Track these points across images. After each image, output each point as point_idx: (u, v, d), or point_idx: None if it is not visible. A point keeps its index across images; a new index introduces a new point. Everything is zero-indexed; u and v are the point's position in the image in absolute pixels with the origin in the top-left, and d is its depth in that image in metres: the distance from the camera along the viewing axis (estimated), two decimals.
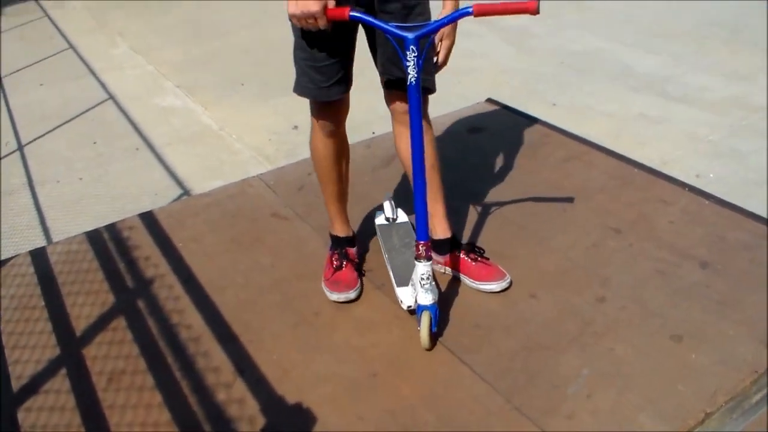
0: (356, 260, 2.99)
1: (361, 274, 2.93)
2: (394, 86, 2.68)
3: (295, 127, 5.88)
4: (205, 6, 9.98)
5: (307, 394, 2.38)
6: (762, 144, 5.39)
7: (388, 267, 2.88)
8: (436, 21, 2.38)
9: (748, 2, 8.79)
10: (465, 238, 3.03)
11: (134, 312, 2.80)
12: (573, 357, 2.47)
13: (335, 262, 2.89)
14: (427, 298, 2.52)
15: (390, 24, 2.37)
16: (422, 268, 2.53)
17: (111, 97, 7.03)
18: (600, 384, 2.35)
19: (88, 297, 2.91)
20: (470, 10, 2.29)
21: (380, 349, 2.57)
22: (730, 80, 6.61)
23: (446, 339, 2.58)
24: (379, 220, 3.17)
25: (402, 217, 3.16)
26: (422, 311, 2.52)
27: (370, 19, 2.36)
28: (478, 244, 3.02)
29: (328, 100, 2.62)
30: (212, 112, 6.45)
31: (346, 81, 2.62)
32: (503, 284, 2.83)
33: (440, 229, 2.91)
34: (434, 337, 2.57)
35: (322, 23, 2.29)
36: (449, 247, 2.92)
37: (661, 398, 2.29)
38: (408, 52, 2.33)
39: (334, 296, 2.80)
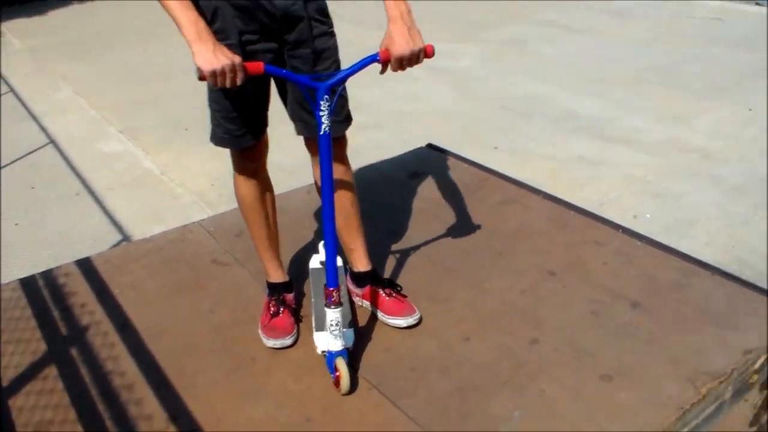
0: (293, 305, 2.99)
1: (298, 319, 2.93)
2: (306, 133, 2.74)
3: None
4: (152, 49, 9.98)
5: None
6: (695, 184, 5.52)
7: (312, 311, 2.90)
8: (345, 69, 2.43)
9: (680, 49, 9.03)
10: (399, 282, 3.06)
11: (66, 360, 2.77)
12: (506, 398, 2.49)
13: (272, 308, 2.89)
14: (336, 344, 2.58)
15: (302, 76, 2.43)
16: (331, 315, 2.56)
17: (52, 141, 6.99)
18: (531, 425, 2.38)
19: (18, 345, 2.87)
20: (377, 57, 2.38)
21: (316, 393, 2.57)
22: (666, 123, 6.78)
23: (382, 383, 2.59)
24: (313, 263, 3.19)
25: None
26: (335, 357, 2.55)
27: (284, 72, 2.40)
28: (415, 287, 3.06)
29: (245, 147, 2.68)
30: (155, 157, 6.44)
31: (260, 126, 2.69)
32: (410, 320, 2.86)
33: (361, 263, 2.97)
34: (355, 378, 2.61)
35: (240, 77, 2.26)
36: (368, 281, 2.97)
37: None
38: (321, 102, 2.37)
39: (271, 342, 2.80)
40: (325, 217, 2.54)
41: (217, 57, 2.21)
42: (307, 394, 2.57)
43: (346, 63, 2.58)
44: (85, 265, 3.38)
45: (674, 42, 9.37)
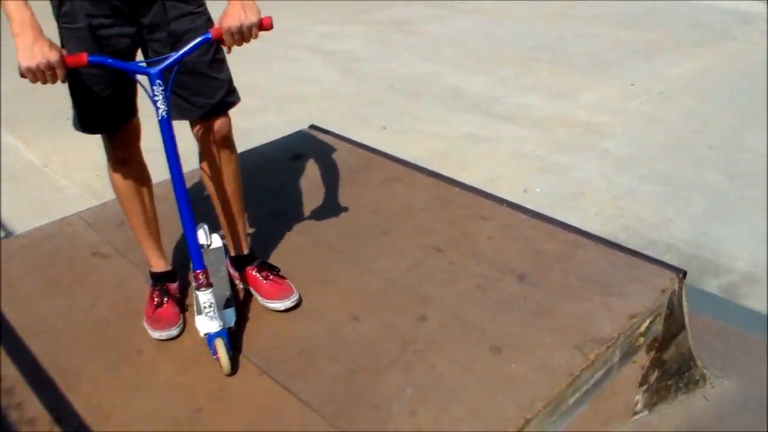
0: (178, 295, 2.92)
1: (183, 309, 2.86)
2: (177, 116, 2.63)
3: None
4: None
5: None
6: (583, 158, 5.61)
7: (194, 295, 2.82)
8: (177, 52, 2.33)
9: (566, 28, 9.18)
10: (285, 265, 3.01)
11: None
12: (396, 376, 2.48)
13: (155, 299, 2.81)
14: (212, 326, 2.53)
15: (131, 63, 2.38)
16: (203, 297, 2.52)
17: None
18: (423, 401, 2.37)
19: None
20: (209, 35, 2.33)
21: (204, 383, 2.50)
22: (552, 99, 6.88)
23: (271, 367, 2.54)
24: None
25: (216, 242, 3.10)
26: (214, 338, 2.52)
27: (110, 61, 2.30)
28: (299, 270, 3.02)
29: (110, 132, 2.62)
30: (35, 148, 6.19)
31: (125, 109, 2.60)
32: (287, 303, 2.84)
33: (239, 247, 2.94)
34: (236, 359, 2.60)
35: (60, 74, 2.18)
36: (246, 264, 2.95)
37: (482, 409, 2.32)
38: (155, 87, 2.30)
39: (156, 334, 2.72)
40: (178, 200, 2.49)
41: (32, 53, 2.11)
42: (196, 384, 2.51)
43: None
44: None
45: (559, 21, 9.53)
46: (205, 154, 2.74)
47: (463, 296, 2.87)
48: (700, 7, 10.04)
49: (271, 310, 2.85)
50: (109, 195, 4.97)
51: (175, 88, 2.48)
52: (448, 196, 3.61)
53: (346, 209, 3.49)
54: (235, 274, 2.99)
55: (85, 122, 2.60)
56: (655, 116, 6.47)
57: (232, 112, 2.70)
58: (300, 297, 2.87)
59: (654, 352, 2.87)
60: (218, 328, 2.53)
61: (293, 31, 9.06)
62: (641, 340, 2.79)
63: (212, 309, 2.52)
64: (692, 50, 8.27)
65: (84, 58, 2.20)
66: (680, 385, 3.05)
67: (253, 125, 2.75)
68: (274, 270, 2.93)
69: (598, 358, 2.54)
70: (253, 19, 2.30)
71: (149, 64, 2.35)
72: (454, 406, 2.35)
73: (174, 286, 2.94)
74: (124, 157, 2.69)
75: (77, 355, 2.66)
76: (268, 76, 7.53)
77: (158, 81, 2.30)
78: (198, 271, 2.51)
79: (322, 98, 7.05)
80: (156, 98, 2.32)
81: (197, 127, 2.67)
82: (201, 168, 2.80)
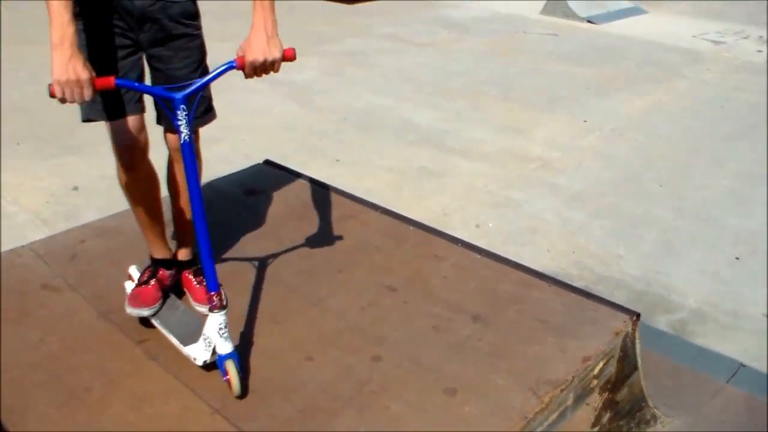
0: (167, 283, 3.00)
1: (165, 297, 2.94)
2: (165, 125, 2.82)
3: (75, 188, 5.66)
4: None
5: None
6: (534, 193, 5.66)
7: (164, 331, 2.80)
8: (202, 79, 2.44)
9: (518, 63, 9.29)
10: (238, 303, 3.02)
11: None
12: (349, 418, 2.46)
13: (143, 277, 2.93)
14: (227, 347, 2.54)
15: (156, 87, 2.46)
16: (219, 318, 2.53)
17: None
18: None
19: None
20: (234, 63, 2.41)
21: (156, 423, 2.45)
22: (505, 134, 6.94)
23: (224, 408, 2.51)
24: (129, 287, 3.05)
25: None
26: (224, 360, 2.53)
27: (137, 85, 2.48)
28: (253, 308, 3.02)
29: (116, 121, 2.67)
30: None
31: (135, 100, 2.68)
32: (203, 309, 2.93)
33: (184, 253, 3.12)
34: (246, 381, 2.61)
35: (87, 94, 2.27)
36: (184, 268, 3.10)
37: None
38: (178, 112, 2.36)
39: (128, 309, 2.82)
40: (196, 222, 2.49)
41: (66, 69, 2.21)
42: (147, 424, 2.45)
43: None
44: None
45: (512, 56, 9.64)
46: (172, 162, 2.90)
47: (417, 337, 2.87)
48: (651, 45, 10.24)
49: (199, 313, 2.93)
50: (60, 222, 4.97)
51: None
52: (402, 234, 3.62)
53: (300, 247, 3.47)
54: (166, 273, 3.03)
55: (90, 111, 2.67)
56: (607, 152, 6.56)
57: None
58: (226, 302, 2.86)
59: (607, 393, 2.90)
60: (230, 350, 2.54)
61: None
62: (594, 382, 2.81)
63: (226, 330, 2.54)
64: (643, 87, 8.43)
65: (112, 81, 2.32)
66: (632, 425, 3.07)
67: (207, 155, 2.75)
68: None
69: (553, 400, 2.55)
70: (276, 55, 2.41)
71: (173, 89, 2.40)
72: None
73: (166, 273, 3.03)
74: (130, 159, 2.75)
75: (24, 393, 2.59)
76: (223, 106, 7.46)
77: (182, 106, 2.37)
78: (212, 293, 2.53)
79: (276, 130, 7.03)
80: (179, 122, 2.38)
81: (171, 136, 2.83)
82: (168, 172, 2.97)
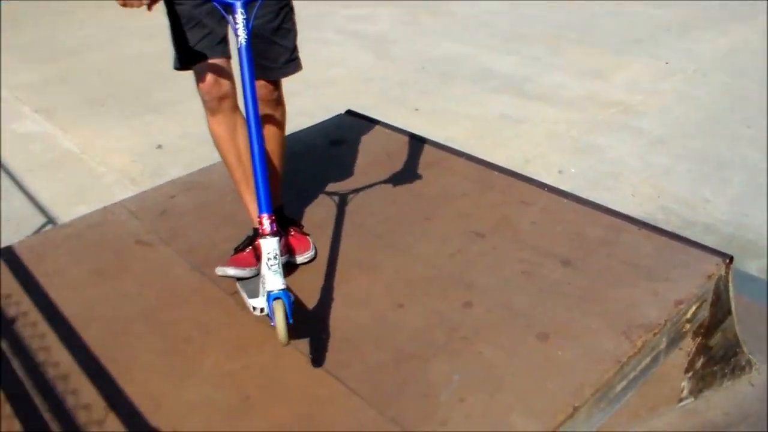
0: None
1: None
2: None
3: (159, 147, 5.78)
4: (60, 24, 9.70)
5: (180, 424, 2.30)
6: (617, 138, 5.58)
7: (239, 287, 2.83)
8: None
9: (594, 6, 9.11)
10: (326, 251, 3.06)
11: None
12: (443, 364, 2.47)
13: (240, 246, 2.96)
14: (275, 282, 2.33)
15: None
16: (268, 245, 2.37)
17: None
18: (471, 388, 2.36)
19: None
20: None
21: (252, 371, 2.51)
22: (585, 78, 6.83)
23: (317, 354, 2.55)
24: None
25: None
26: (273, 300, 2.29)
27: None
28: (342, 256, 3.04)
29: (201, 64, 2.69)
30: (72, 136, 6.24)
31: (217, 45, 2.71)
32: (300, 258, 2.98)
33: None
34: (291, 331, 2.31)
35: None
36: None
37: (530, 396, 2.32)
38: (236, 16, 2.42)
39: (224, 270, 2.80)
40: (250, 137, 2.47)
41: None
42: (244, 372, 2.51)
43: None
44: (7, 255, 3.23)
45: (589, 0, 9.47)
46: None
47: (507, 282, 2.86)
48: None
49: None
50: (147, 180, 5.08)
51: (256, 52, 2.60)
52: (487, 180, 3.60)
53: (386, 195, 3.48)
54: None
55: (181, 58, 2.73)
56: (690, 94, 6.42)
57: None
58: (316, 252, 2.95)
59: (700, 338, 2.87)
60: (281, 287, 2.32)
61: (323, 14, 9.03)
62: (687, 326, 2.78)
63: (276, 262, 2.35)
64: (725, 26, 8.18)
65: None
66: (726, 371, 3.04)
67: (288, 109, 2.80)
68: (297, 225, 3.10)
69: (645, 344, 2.52)
70: None
71: None
72: (503, 394, 2.34)
73: None
74: (217, 101, 2.76)
75: (127, 344, 2.67)
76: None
77: (241, 11, 2.41)
78: (263, 215, 2.43)
79: (354, 81, 7.05)
80: (237, 26, 2.42)
81: (260, 83, 2.79)
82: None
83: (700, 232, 4.28)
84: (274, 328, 2.31)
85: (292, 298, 2.41)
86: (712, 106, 6.14)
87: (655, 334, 2.57)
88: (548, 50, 7.64)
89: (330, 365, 2.51)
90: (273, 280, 2.33)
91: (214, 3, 2.49)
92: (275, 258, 2.35)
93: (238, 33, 2.43)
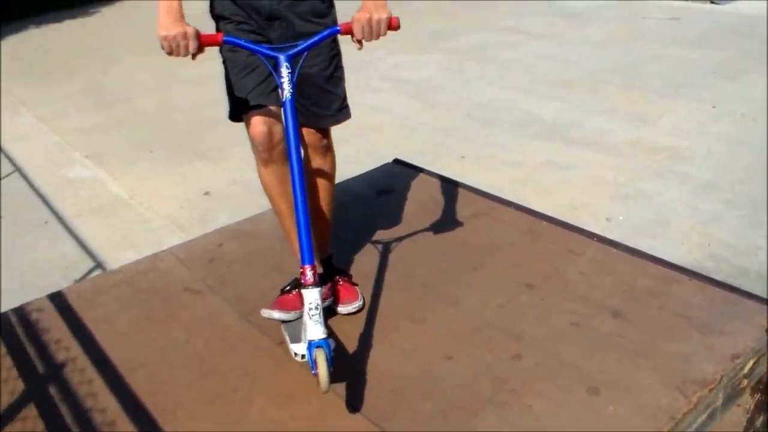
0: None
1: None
2: (302, 119, 2.81)
3: (207, 193, 5.84)
4: (110, 72, 9.88)
5: None
6: (664, 184, 5.54)
7: (284, 332, 2.84)
8: (306, 41, 2.52)
9: (639, 49, 9.09)
10: (374, 301, 3.06)
11: (45, 399, 2.66)
12: (491, 416, 2.44)
13: (287, 287, 2.96)
14: (316, 332, 2.34)
15: (263, 45, 2.56)
16: (309, 296, 2.38)
17: (17, 169, 6.87)
18: None
19: None
20: (338, 28, 2.53)
21: (298, 421, 2.50)
22: (630, 123, 6.80)
23: (363, 405, 2.54)
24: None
25: None
26: (314, 348, 2.30)
27: (243, 42, 2.52)
28: (390, 306, 3.03)
29: (254, 111, 2.72)
30: (121, 181, 6.34)
31: (271, 92, 2.72)
32: (348, 308, 2.98)
33: (322, 250, 3.07)
34: (333, 379, 2.32)
35: (193, 46, 2.40)
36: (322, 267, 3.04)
37: None
38: (282, 70, 2.46)
39: (270, 312, 2.83)
40: (293, 188, 2.50)
41: (171, 25, 2.38)
42: (291, 422, 2.50)
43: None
44: (57, 300, 3.28)
45: (632, 42, 9.44)
46: (307, 158, 2.92)
47: (557, 334, 2.83)
48: None
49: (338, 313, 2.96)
50: (195, 227, 5.12)
51: (296, 95, 2.61)
52: (536, 229, 3.58)
53: (434, 245, 3.48)
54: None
55: (235, 108, 2.78)
56: (738, 138, 6.35)
57: None
58: (364, 302, 2.96)
59: (759, 394, 2.80)
60: (322, 336, 2.33)
61: (367, 61, 9.09)
62: (745, 381, 2.71)
63: (318, 312, 2.37)
64: None
65: (219, 37, 2.46)
66: None
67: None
68: (346, 275, 3.10)
69: (701, 400, 2.46)
70: (383, 15, 2.49)
71: (279, 50, 2.51)
72: None
73: None
74: (266, 151, 2.78)
75: (174, 391, 2.68)
76: None
77: (286, 64, 2.46)
78: (306, 266, 2.43)
79: (399, 128, 7.09)
80: (282, 80, 2.46)
81: (306, 131, 2.87)
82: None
83: (752, 281, 4.21)
84: (316, 376, 2.30)
85: (333, 346, 2.43)
86: (762, 149, 6.06)
87: (710, 390, 2.50)
88: (592, 95, 7.63)
89: (376, 416, 2.49)
90: (314, 329, 2.36)
91: (260, 56, 2.54)
92: (317, 308, 2.38)
93: (283, 87, 2.47)
